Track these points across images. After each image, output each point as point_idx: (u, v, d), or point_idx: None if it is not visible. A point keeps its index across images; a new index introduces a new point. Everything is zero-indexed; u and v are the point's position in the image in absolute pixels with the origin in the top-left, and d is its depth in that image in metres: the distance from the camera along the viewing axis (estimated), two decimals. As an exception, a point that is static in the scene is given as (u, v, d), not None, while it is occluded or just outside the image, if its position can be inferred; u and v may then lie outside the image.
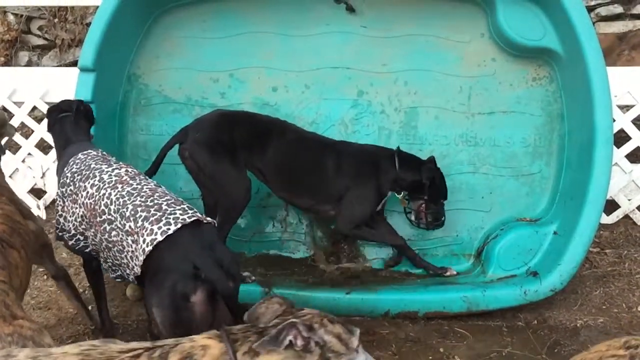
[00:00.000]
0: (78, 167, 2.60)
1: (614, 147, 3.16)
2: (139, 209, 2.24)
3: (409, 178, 3.21)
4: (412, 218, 3.35)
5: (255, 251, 3.53)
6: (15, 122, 4.24)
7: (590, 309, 3.14)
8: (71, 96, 3.23)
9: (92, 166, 2.57)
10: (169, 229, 2.11)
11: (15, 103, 4.25)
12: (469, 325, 3.01)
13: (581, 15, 3.06)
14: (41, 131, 4.18)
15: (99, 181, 2.46)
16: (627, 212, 3.99)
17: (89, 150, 2.72)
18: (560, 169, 3.39)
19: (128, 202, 2.30)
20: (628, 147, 3.92)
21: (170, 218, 2.15)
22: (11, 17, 5.35)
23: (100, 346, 1.46)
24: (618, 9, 4.93)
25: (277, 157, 3.15)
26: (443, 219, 3.30)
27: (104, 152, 2.76)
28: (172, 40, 3.56)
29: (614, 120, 3.30)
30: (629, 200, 3.96)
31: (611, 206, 3.93)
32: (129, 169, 2.56)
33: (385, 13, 3.49)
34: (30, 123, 4.30)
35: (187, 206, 2.28)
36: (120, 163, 2.65)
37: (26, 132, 4.58)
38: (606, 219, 3.93)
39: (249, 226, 3.54)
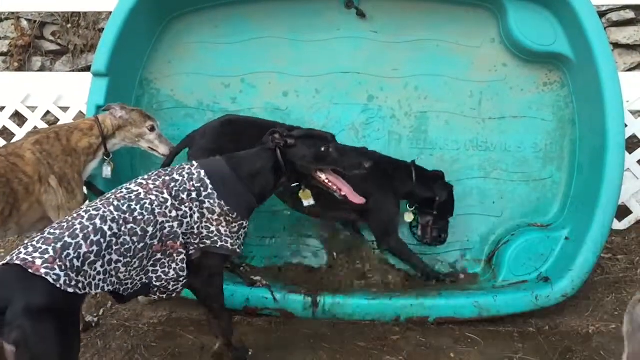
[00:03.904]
0: None
1: (626, 153, 3.14)
2: None
3: (423, 193, 3.24)
4: (419, 233, 3.36)
5: (265, 256, 3.53)
6: (28, 126, 4.29)
7: (602, 315, 3.12)
8: (84, 101, 3.26)
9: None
10: None
11: (28, 108, 4.30)
12: (480, 330, 3.00)
13: (593, 20, 3.06)
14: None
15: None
16: (639, 218, 3.97)
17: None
18: (571, 174, 3.38)
19: None
20: (640, 153, 3.91)
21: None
22: (25, 23, 5.41)
23: None
24: (629, 14, 4.92)
25: None
26: (445, 236, 3.32)
27: (187, 172, 2.35)
28: (184, 46, 3.59)
29: (626, 126, 3.29)
30: (641, 206, 3.94)
31: (623, 212, 3.91)
32: (143, 187, 2.25)
33: (395, 18, 3.50)
34: (44, 128, 4.34)
35: (29, 247, 1.94)
36: (148, 182, 2.29)
37: (39, 136, 4.62)
38: (618, 225, 3.91)
39: (258, 231, 3.55)
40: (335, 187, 2.52)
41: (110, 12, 3.33)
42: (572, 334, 2.98)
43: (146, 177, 2.34)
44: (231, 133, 3.09)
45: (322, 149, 2.49)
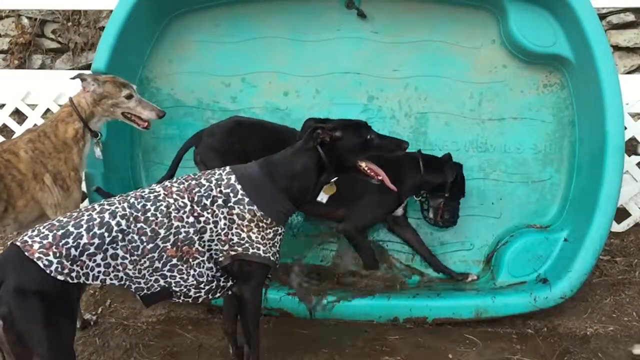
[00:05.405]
0: None
1: (625, 155, 3.14)
2: None
3: (435, 181, 3.25)
4: (430, 215, 3.37)
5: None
6: (28, 124, 4.29)
7: (601, 317, 3.13)
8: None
9: None
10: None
11: (29, 105, 4.30)
12: (479, 331, 3.01)
13: (593, 23, 3.06)
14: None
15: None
16: (637, 221, 3.98)
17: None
18: (570, 176, 3.38)
19: None
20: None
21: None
22: (25, 21, 5.42)
23: None
24: (630, 17, 4.93)
25: None
26: (456, 217, 3.34)
27: (216, 177, 2.31)
28: (185, 45, 3.58)
29: (625, 128, 3.29)
30: (640, 208, 3.94)
31: (622, 214, 3.91)
32: (166, 189, 2.25)
33: (396, 19, 3.50)
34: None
35: (35, 230, 2.03)
36: (173, 185, 2.27)
37: (39, 134, 4.61)
38: (617, 227, 3.92)
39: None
40: (373, 174, 2.49)
41: (111, 11, 3.33)
42: (570, 335, 2.98)
43: (175, 180, 2.33)
44: (240, 134, 3.08)
45: (368, 137, 2.45)
